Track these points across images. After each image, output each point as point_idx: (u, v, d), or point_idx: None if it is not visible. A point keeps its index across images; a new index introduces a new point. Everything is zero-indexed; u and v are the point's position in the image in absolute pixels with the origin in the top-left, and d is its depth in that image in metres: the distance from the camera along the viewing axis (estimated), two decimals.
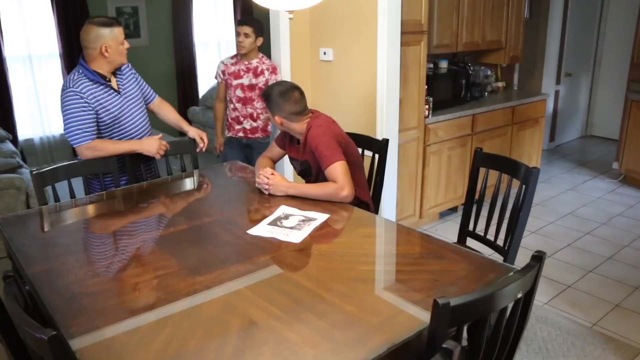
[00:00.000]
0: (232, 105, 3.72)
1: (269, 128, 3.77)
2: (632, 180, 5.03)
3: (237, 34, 3.55)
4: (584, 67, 6.51)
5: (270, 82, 3.50)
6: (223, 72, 3.72)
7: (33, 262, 1.81)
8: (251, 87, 3.64)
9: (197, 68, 6.90)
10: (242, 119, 3.70)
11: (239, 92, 3.66)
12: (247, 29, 3.52)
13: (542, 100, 4.88)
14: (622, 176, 5.12)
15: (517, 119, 4.61)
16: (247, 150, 3.80)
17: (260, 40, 3.59)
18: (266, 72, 3.64)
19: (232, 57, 3.73)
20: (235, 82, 3.66)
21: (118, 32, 2.54)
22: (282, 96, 2.39)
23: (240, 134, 3.74)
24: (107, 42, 2.49)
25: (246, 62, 3.64)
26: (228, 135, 3.81)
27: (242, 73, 3.64)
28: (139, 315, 1.49)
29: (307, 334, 1.39)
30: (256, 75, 3.63)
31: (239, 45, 3.57)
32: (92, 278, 1.70)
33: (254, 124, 3.71)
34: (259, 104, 3.65)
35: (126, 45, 2.60)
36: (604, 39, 6.50)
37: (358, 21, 3.51)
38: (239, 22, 3.60)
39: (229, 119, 3.78)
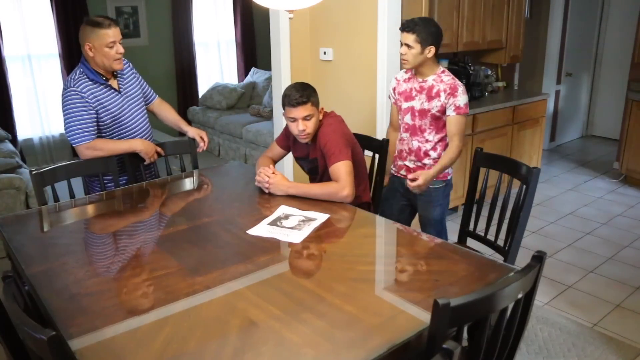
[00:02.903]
0: (399, 135, 2.82)
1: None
2: (632, 180, 5.02)
3: (400, 43, 2.60)
4: (585, 67, 6.50)
5: (447, 108, 2.58)
6: (394, 90, 2.80)
7: (33, 262, 1.81)
8: (423, 113, 2.65)
9: (197, 68, 6.90)
10: (405, 154, 2.76)
11: (407, 119, 2.72)
12: (409, 38, 2.52)
13: (543, 100, 4.87)
14: (623, 176, 5.11)
15: (518, 118, 4.60)
16: (410, 196, 2.79)
17: (431, 51, 2.54)
18: (442, 95, 2.57)
19: (407, 71, 2.77)
20: (405, 105, 2.72)
21: (105, 33, 2.42)
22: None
23: (403, 172, 2.79)
24: (91, 41, 2.43)
25: (420, 80, 2.66)
26: (391, 171, 2.88)
27: (414, 93, 2.68)
28: (138, 316, 1.48)
29: (307, 334, 1.39)
30: (430, 97, 2.61)
31: (401, 58, 2.62)
32: (91, 278, 1.70)
33: (419, 163, 2.72)
34: (432, 136, 2.68)
35: (119, 49, 2.47)
36: (605, 38, 6.49)
37: (358, 21, 3.51)
38: (400, 28, 2.61)
39: (396, 151, 2.85)
